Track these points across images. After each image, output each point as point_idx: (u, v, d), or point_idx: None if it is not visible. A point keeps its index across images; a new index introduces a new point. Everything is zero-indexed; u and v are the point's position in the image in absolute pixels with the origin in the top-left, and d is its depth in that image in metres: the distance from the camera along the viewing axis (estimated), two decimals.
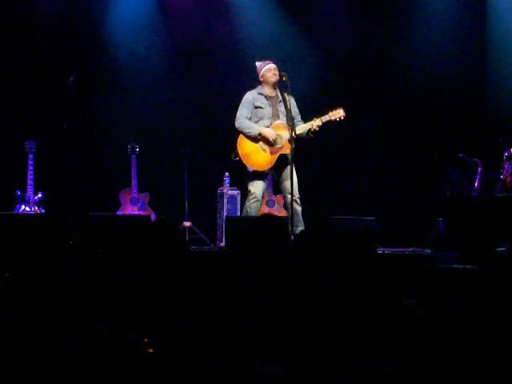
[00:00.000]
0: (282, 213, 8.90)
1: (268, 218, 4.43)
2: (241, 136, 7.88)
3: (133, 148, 9.21)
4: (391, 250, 7.86)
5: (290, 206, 7.77)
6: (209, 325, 3.58)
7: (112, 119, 9.76)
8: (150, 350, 3.42)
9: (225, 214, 8.73)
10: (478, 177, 8.74)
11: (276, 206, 9.10)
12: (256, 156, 7.86)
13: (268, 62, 7.98)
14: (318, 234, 4.02)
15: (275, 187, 8.94)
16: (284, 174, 7.92)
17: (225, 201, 8.91)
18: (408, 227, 9.31)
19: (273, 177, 8.12)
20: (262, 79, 7.98)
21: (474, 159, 8.83)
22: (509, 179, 8.23)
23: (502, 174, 8.30)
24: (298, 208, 7.86)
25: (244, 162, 7.83)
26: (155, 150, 9.73)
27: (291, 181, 7.69)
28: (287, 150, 7.79)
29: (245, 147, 7.86)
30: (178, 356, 3.43)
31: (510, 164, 8.26)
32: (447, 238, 7.38)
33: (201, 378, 3.36)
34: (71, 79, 8.61)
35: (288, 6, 9.95)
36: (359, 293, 3.76)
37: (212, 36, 9.89)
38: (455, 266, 5.00)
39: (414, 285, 4.13)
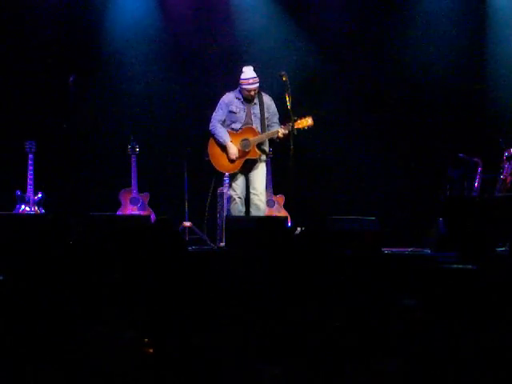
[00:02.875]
0: (282, 213, 8.91)
1: (268, 218, 4.44)
2: (211, 138, 8.09)
3: (133, 148, 9.20)
4: (391, 249, 7.86)
5: (253, 202, 8.07)
6: (209, 324, 3.58)
7: (112, 119, 9.75)
8: (150, 350, 3.42)
9: (225, 213, 8.74)
10: (478, 177, 8.73)
11: (276, 205, 9.11)
12: (223, 158, 8.07)
13: (251, 80, 8.02)
14: (317, 234, 4.02)
15: (274, 187, 8.99)
16: (253, 174, 8.14)
17: (225, 201, 8.91)
18: (408, 227, 9.31)
19: (244, 175, 8.18)
20: (240, 88, 8.09)
21: (474, 159, 8.83)
22: (509, 179, 8.22)
23: (501, 174, 8.29)
24: (262, 205, 8.04)
25: (213, 163, 8.05)
26: (155, 150, 9.73)
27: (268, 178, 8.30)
28: (254, 155, 7.98)
29: (214, 150, 8.11)
30: (178, 356, 3.43)
31: (510, 164, 8.25)
32: (447, 238, 7.39)
33: (201, 377, 3.36)
34: (71, 79, 8.60)
35: (287, 7, 9.94)
36: (359, 293, 3.76)
37: (212, 37, 9.88)
38: (455, 266, 5.00)
39: (414, 285, 4.13)
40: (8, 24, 9.55)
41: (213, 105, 9.57)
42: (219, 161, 8.12)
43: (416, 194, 9.73)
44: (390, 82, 9.88)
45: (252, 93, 8.06)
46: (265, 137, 8.07)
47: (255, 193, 8.10)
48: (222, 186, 9.00)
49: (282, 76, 7.94)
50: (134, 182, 9.16)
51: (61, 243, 4.25)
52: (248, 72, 8.09)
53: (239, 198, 8.09)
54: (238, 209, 8.09)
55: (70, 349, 3.43)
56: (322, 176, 9.87)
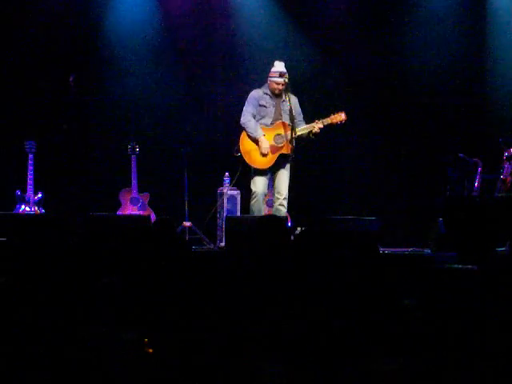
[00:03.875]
0: None
1: (268, 218, 4.44)
2: (244, 133, 8.01)
3: (133, 148, 9.20)
4: (391, 249, 7.87)
5: (275, 205, 8.04)
6: (209, 324, 3.58)
7: (112, 119, 9.75)
8: (150, 350, 3.42)
9: (225, 214, 8.73)
10: (477, 177, 8.73)
11: None
12: (256, 154, 7.98)
13: (282, 74, 8.01)
14: (317, 234, 4.02)
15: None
16: (279, 173, 8.03)
17: (225, 201, 8.91)
18: (408, 227, 9.31)
19: (270, 173, 8.15)
20: (268, 81, 8.07)
21: (474, 159, 8.83)
22: (509, 179, 8.22)
23: (502, 173, 8.29)
24: (282, 209, 8.00)
25: (245, 159, 7.97)
26: (155, 150, 9.72)
27: (286, 181, 7.99)
28: (287, 150, 7.91)
29: (247, 144, 8.00)
30: (178, 356, 3.42)
31: (510, 164, 8.25)
32: (447, 238, 7.38)
33: (201, 377, 3.36)
34: (71, 79, 8.61)
35: (288, 7, 9.94)
36: (359, 293, 3.76)
37: (212, 36, 9.89)
38: (455, 265, 5.00)
39: (414, 285, 4.12)
40: (8, 24, 9.54)
41: (213, 104, 9.60)
42: (251, 156, 8.00)
43: (416, 194, 9.73)
44: (390, 83, 9.88)
45: (280, 86, 8.00)
46: (298, 132, 8.00)
47: (279, 197, 8.05)
48: (222, 185, 9.00)
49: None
50: (134, 182, 9.16)
51: (61, 243, 4.25)
52: (278, 66, 8.08)
53: (261, 195, 8.06)
54: (259, 206, 8.03)
55: (70, 349, 3.43)
56: (322, 176, 9.87)
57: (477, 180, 8.73)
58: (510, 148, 8.35)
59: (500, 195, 8.18)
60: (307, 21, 9.93)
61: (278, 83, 8.00)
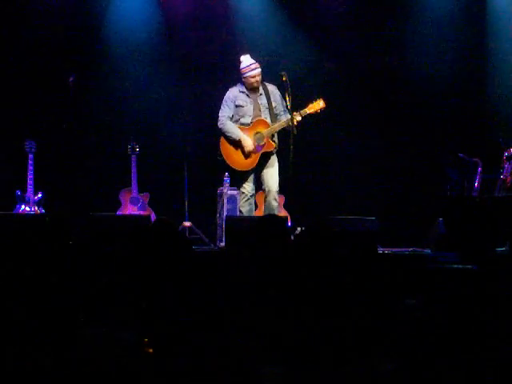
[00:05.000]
0: (282, 213, 8.90)
1: (268, 218, 4.44)
2: (222, 137, 7.99)
3: (133, 148, 9.20)
4: (391, 249, 7.87)
5: (267, 200, 8.02)
6: (209, 325, 3.58)
7: (112, 119, 9.75)
8: (150, 350, 3.42)
9: (225, 213, 8.73)
10: (477, 177, 8.74)
11: None
12: (238, 156, 7.96)
13: (253, 65, 7.97)
14: (317, 234, 4.02)
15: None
16: (265, 169, 8.01)
17: (225, 201, 8.90)
18: (408, 227, 9.31)
19: (255, 172, 8.13)
20: (243, 79, 8.03)
21: (474, 159, 8.83)
22: (509, 179, 8.23)
23: (502, 173, 8.30)
24: (275, 204, 7.98)
25: (227, 162, 7.95)
26: (155, 150, 9.73)
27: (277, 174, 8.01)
28: (270, 148, 7.90)
29: (227, 148, 7.97)
30: (178, 356, 3.42)
31: (510, 164, 8.26)
32: (447, 238, 7.38)
33: (201, 378, 3.36)
34: (71, 79, 8.60)
35: (287, 6, 9.94)
36: (359, 293, 3.76)
37: (212, 37, 9.89)
38: (455, 266, 5.00)
39: (414, 285, 4.12)
40: (8, 24, 9.54)
41: (212, 104, 9.58)
42: (234, 158, 8.00)
43: (416, 194, 9.73)
44: (390, 82, 9.88)
45: (257, 78, 7.94)
46: (278, 127, 7.95)
47: (269, 193, 8.03)
48: (222, 185, 8.99)
49: (281, 76, 7.92)
50: (134, 182, 9.16)
51: (61, 243, 4.25)
52: (246, 60, 8.03)
53: (251, 195, 8.05)
54: (249, 207, 8.02)
55: (69, 349, 3.43)
56: (322, 176, 9.87)
57: (477, 180, 8.73)
58: (510, 148, 8.36)
59: (500, 195, 8.18)
60: (307, 20, 9.94)
61: (253, 76, 7.96)
